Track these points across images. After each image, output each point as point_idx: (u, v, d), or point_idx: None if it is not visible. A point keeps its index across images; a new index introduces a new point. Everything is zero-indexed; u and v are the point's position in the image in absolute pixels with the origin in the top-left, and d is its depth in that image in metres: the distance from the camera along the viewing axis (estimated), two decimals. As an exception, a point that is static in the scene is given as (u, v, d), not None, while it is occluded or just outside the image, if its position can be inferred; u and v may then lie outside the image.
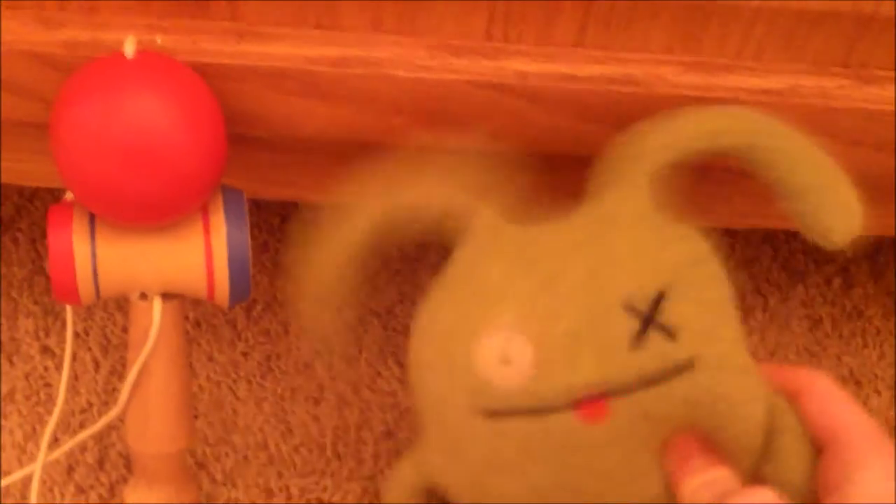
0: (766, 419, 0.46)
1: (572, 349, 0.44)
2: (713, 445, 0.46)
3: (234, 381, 0.64)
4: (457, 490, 0.48)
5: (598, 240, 0.45)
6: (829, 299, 0.69)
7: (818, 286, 0.69)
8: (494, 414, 0.45)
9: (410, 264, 0.69)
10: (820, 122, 0.48)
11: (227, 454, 0.61)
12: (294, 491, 0.60)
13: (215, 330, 0.65)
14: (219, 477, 0.60)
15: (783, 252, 0.70)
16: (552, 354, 0.44)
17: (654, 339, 0.44)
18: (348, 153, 0.51)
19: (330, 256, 0.48)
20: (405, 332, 0.66)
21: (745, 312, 0.68)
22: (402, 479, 0.51)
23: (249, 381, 0.64)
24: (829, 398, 0.46)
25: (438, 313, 0.47)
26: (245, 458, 0.61)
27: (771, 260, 0.70)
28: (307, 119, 0.49)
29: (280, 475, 0.60)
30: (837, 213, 0.46)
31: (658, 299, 0.44)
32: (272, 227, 0.70)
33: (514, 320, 0.44)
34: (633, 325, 0.44)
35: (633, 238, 0.45)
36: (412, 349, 0.48)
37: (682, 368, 0.44)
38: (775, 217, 0.54)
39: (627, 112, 0.47)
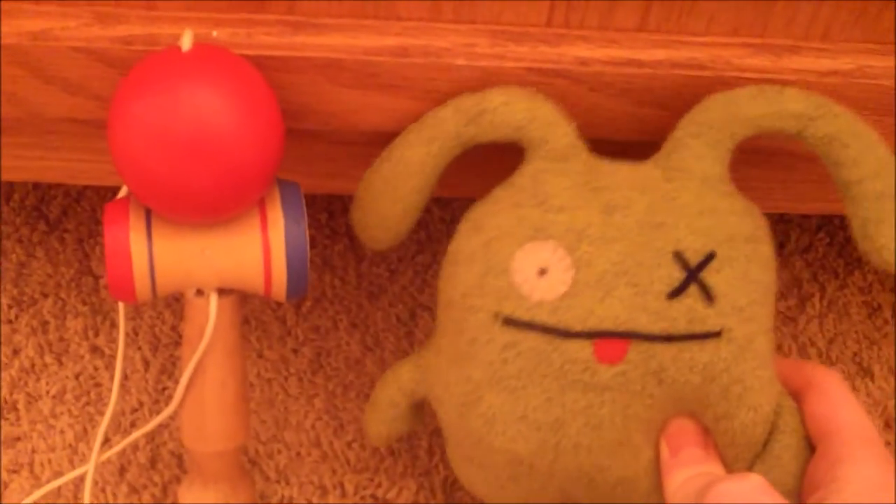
0: (771, 417, 0.46)
1: (611, 280, 0.44)
2: (711, 440, 0.46)
3: (285, 378, 0.63)
4: (447, 404, 0.48)
5: (666, 187, 0.46)
6: (887, 286, 0.68)
7: (876, 272, 0.68)
8: (515, 323, 0.45)
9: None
10: (888, 103, 0.47)
11: (279, 451, 0.61)
12: (349, 488, 0.59)
13: (265, 327, 0.65)
14: (272, 475, 0.60)
15: (839, 239, 0.69)
16: (590, 279, 0.44)
17: (692, 296, 0.44)
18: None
19: (415, 154, 0.47)
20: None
21: (802, 300, 0.67)
22: (397, 378, 0.51)
23: (300, 378, 0.63)
24: (832, 397, 0.46)
25: (492, 211, 0.47)
26: (298, 455, 0.60)
27: (827, 247, 0.69)
28: (365, 111, 0.49)
29: (334, 472, 0.60)
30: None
31: (708, 259, 0.44)
32: (319, 223, 0.70)
33: (564, 235, 0.44)
34: (676, 275, 0.44)
35: (701, 196, 0.46)
36: (455, 241, 0.48)
37: (710, 336, 0.44)
38: (832, 201, 0.53)
39: (693, 97, 0.47)
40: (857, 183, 0.45)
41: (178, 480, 0.59)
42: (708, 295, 0.44)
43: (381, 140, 0.50)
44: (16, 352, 0.63)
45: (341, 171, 0.53)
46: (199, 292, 0.48)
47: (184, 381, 0.50)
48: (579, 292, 0.44)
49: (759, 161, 0.47)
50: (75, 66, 0.47)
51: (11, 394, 0.62)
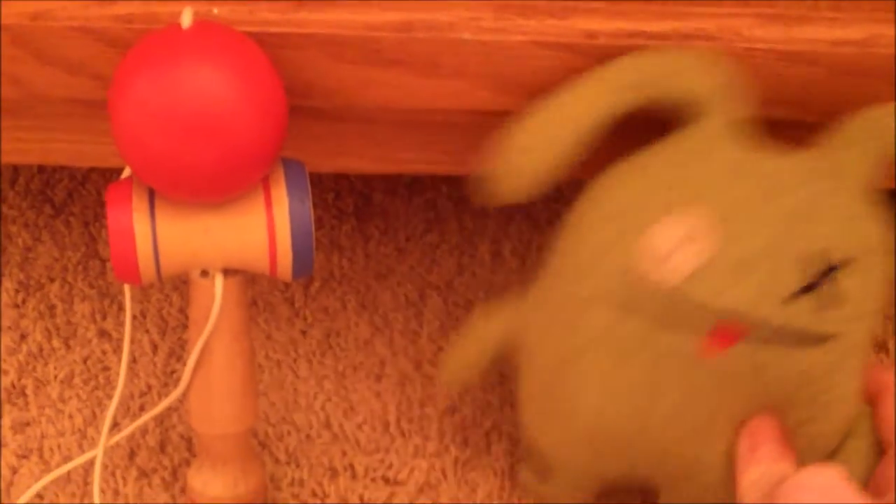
0: (849, 426, 0.47)
1: (743, 270, 0.44)
2: (790, 442, 0.46)
3: (294, 360, 0.63)
4: (541, 357, 0.49)
5: (822, 184, 0.45)
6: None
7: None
8: (631, 296, 0.44)
9: (469, 237, 0.68)
10: (901, 72, 0.47)
11: (289, 433, 0.60)
12: (359, 469, 0.59)
13: (273, 308, 0.65)
14: (282, 457, 0.59)
15: None
16: (731, 258, 0.44)
17: (820, 296, 0.43)
18: (410, 121, 0.50)
19: (586, 105, 0.46)
20: (466, 305, 0.65)
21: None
22: (491, 321, 0.52)
23: (309, 360, 0.63)
24: None
25: (634, 178, 0.46)
26: (308, 436, 0.60)
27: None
28: (368, 88, 0.48)
29: (344, 453, 0.60)
30: None
31: (840, 265, 0.44)
32: (326, 203, 0.69)
33: (710, 216, 0.44)
34: (812, 272, 0.43)
35: (853, 200, 0.45)
36: (585, 201, 0.47)
37: (820, 340, 0.44)
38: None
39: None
40: None
41: (188, 463, 0.58)
42: (836, 298, 0.44)
43: (387, 117, 0.50)
44: (23, 336, 0.63)
45: (346, 148, 0.53)
46: (205, 273, 0.48)
47: (191, 363, 0.50)
48: (715, 270, 0.44)
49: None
50: (75, 46, 0.47)
51: (20, 379, 0.61)
